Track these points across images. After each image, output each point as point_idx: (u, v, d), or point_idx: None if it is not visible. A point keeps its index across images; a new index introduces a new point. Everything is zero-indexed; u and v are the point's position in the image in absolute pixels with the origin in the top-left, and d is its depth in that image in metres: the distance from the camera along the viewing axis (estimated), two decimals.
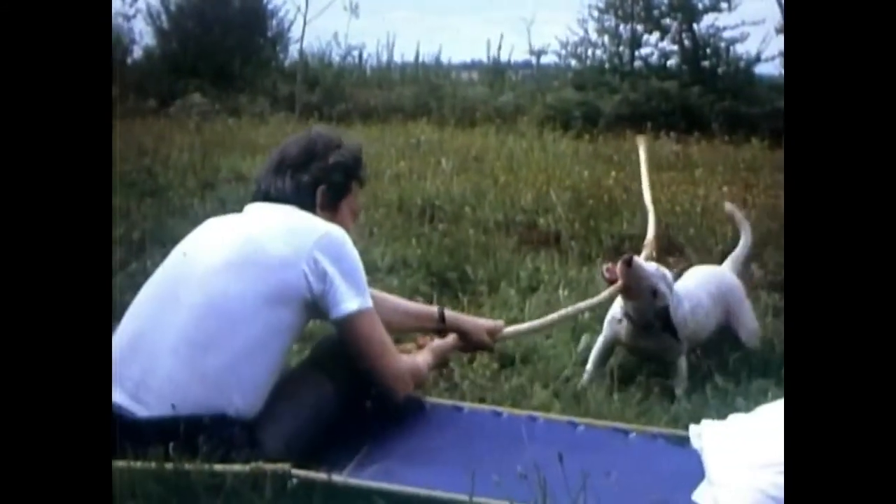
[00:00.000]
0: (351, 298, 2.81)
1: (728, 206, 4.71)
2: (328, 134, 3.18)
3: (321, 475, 2.57)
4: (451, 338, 3.38)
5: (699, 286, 4.15)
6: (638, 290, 3.80)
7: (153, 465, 2.49)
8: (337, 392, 2.91)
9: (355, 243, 2.91)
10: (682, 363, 3.89)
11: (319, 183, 3.02)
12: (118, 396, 2.62)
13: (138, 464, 2.50)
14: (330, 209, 3.03)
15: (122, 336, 2.73)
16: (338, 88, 16.18)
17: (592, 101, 13.67)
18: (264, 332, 2.74)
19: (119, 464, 2.46)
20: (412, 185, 7.98)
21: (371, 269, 5.42)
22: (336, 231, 2.88)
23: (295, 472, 2.55)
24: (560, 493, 2.39)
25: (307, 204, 2.98)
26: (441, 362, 3.43)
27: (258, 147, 10.05)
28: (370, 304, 2.87)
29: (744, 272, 4.55)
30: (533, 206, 7.20)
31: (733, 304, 4.25)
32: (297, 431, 2.76)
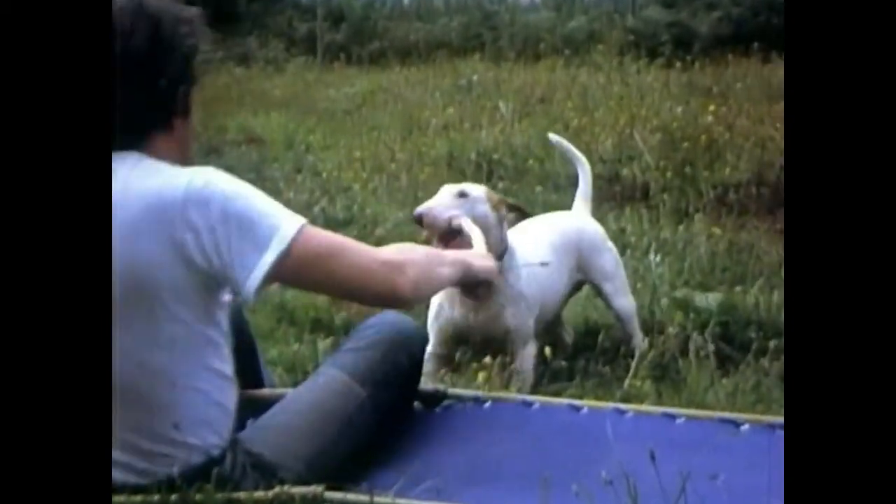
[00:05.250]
0: (257, 261, 2.47)
1: (552, 137, 4.56)
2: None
3: (362, 496, 2.57)
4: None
5: (539, 240, 4.03)
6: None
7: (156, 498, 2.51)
8: (372, 399, 2.88)
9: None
10: (531, 349, 3.83)
11: (171, 97, 2.56)
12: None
13: (137, 497, 2.52)
14: (166, 129, 2.58)
15: None
16: (368, 23, 16.27)
17: (685, 22, 13.63)
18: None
19: (119, 498, 2.49)
20: (464, 136, 8.02)
21: (419, 242, 5.44)
22: (200, 179, 2.48)
23: (329, 494, 2.55)
24: (655, 502, 2.38)
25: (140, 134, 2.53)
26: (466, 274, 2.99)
27: (273, 101, 10.12)
28: (291, 235, 2.49)
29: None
30: (614, 153, 7.21)
31: (587, 253, 4.14)
32: (322, 449, 2.74)
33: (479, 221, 3.55)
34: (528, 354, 3.82)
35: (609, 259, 4.20)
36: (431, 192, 6.24)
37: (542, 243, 4.02)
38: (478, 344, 3.84)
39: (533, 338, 3.86)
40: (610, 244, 4.28)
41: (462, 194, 3.66)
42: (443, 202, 3.60)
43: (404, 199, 6.38)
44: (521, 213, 3.89)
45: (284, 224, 2.50)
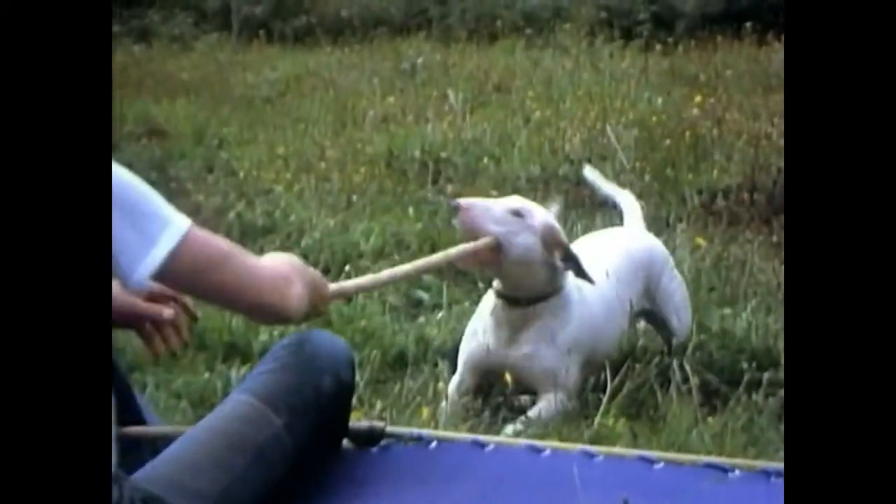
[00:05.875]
0: (146, 254, 2.48)
1: (588, 170, 4.77)
2: None
3: None
4: None
5: (598, 262, 3.96)
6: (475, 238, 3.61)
7: None
8: (289, 428, 2.83)
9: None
10: (558, 400, 3.80)
11: None
12: None
13: None
14: None
15: None
16: None
17: None
18: None
19: None
20: (406, 130, 8.05)
21: (352, 254, 5.43)
22: None
23: None
24: None
25: None
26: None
27: (181, 85, 10.07)
28: (181, 233, 2.52)
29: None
30: (583, 151, 7.23)
31: (656, 279, 4.19)
32: (228, 486, 2.70)
33: (520, 251, 3.65)
34: (552, 403, 3.79)
35: (678, 287, 4.26)
36: (368, 196, 6.29)
37: (601, 266, 3.97)
38: (505, 379, 3.86)
39: (565, 388, 3.82)
40: (675, 269, 4.34)
41: (517, 213, 3.68)
42: (493, 211, 3.64)
43: (335, 204, 6.37)
44: (576, 266, 3.77)
45: (174, 221, 2.52)
